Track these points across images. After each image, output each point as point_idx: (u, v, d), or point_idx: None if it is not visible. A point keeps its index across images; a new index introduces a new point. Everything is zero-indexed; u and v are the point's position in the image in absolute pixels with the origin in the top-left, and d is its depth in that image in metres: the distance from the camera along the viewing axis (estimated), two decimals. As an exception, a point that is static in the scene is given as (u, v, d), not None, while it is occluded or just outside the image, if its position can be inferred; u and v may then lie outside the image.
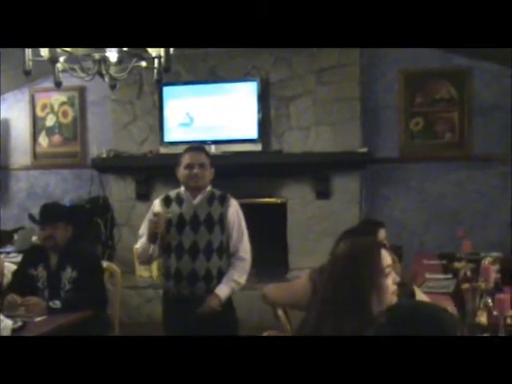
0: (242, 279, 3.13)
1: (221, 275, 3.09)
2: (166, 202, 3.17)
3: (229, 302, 3.14)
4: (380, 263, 1.81)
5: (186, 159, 3.11)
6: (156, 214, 2.98)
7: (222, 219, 3.09)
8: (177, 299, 3.11)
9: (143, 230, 3.18)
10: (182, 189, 3.17)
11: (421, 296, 2.61)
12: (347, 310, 1.78)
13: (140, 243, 3.15)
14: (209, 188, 3.17)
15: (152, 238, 2.99)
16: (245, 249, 3.14)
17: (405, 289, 2.26)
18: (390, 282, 1.81)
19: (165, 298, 3.24)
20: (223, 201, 3.14)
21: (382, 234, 3.06)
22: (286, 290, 2.75)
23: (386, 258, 1.83)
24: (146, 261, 3.27)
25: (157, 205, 3.19)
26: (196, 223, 3.08)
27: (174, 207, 3.13)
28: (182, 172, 3.12)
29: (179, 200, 3.15)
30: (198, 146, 3.30)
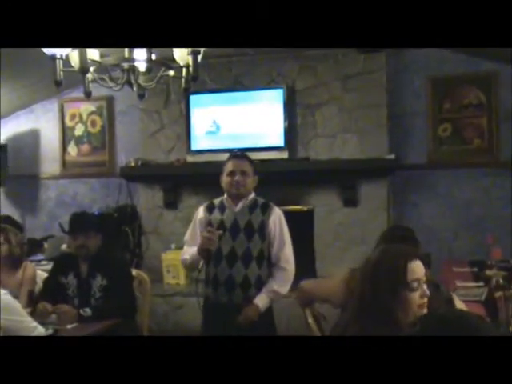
0: (283, 289, 3.10)
1: (260, 284, 3.07)
2: (209, 208, 3.20)
3: (268, 312, 3.12)
4: (404, 276, 1.79)
5: (228, 166, 3.12)
6: (210, 230, 2.97)
7: (263, 227, 3.08)
8: (215, 306, 3.13)
9: (188, 236, 3.23)
10: (225, 196, 3.18)
11: (459, 303, 2.57)
12: (373, 318, 1.77)
13: (188, 254, 3.17)
14: (252, 195, 3.17)
15: (204, 254, 3.00)
16: (286, 259, 3.10)
17: (442, 296, 2.23)
18: (417, 296, 1.78)
19: (204, 304, 3.23)
20: (265, 209, 3.13)
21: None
22: (324, 283, 2.75)
23: (415, 270, 1.80)
24: (193, 269, 3.31)
25: (201, 211, 3.23)
26: (236, 230, 3.08)
27: (216, 214, 3.15)
28: (224, 179, 3.13)
29: (222, 207, 3.16)
30: (240, 154, 3.28)
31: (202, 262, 3.13)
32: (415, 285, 1.79)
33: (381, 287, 1.80)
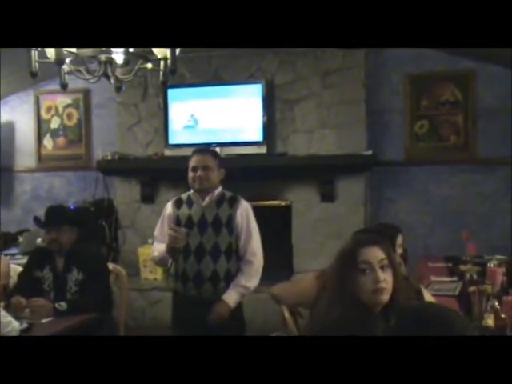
0: (251, 283, 3.10)
1: (229, 277, 3.08)
2: (177, 203, 3.21)
3: (238, 307, 3.12)
4: (352, 257, 1.85)
5: (191, 162, 3.13)
6: (175, 229, 2.97)
7: (230, 221, 3.08)
8: (185, 300, 3.14)
9: (157, 232, 3.23)
10: (192, 191, 3.19)
11: (428, 297, 2.60)
12: (342, 306, 1.80)
13: (158, 253, 3.16)
14: (219, 190, 3.17)
15: (172, 252, 3.02)
16: (252, 252, 3.11)
17: (411, 290, 2.26)
18: (368, 280, 1.81)
19: (174, 299, 3.25)
20: (233, 202, 3.13)
21: (399, 239, 3.05)
22: (293, 288, 2.76)
23: (366, 254, 1.85)
24: (164, 265, 3.30)
25: (169, 207, 3.23)
26: (203, 225, 3.08)
27: (184, 209, 3.15)
28: (188, 174, 3.14)
29: (189, 202, 3.17)
30: (204, 148, 3.31)
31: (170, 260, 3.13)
32: (363, 266, 1.84)
33: (338, 272, 1.87)
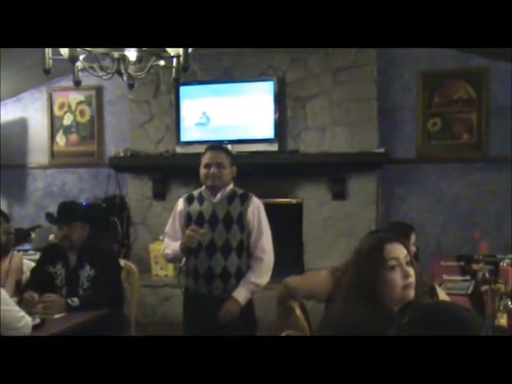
0: (261, 280, 3.09)
1: (240, 274, 3.07)
2: (189, 200, 3.20)
3: (249, 304, 3.12)
4: (381, 255, 1.83)
5: (204, 158, 3.13)
6: (194, 229, 2.98)
7: (242, 218, 3.07)
8: (195, 297, 3.14)
9: (169, 228, 3.23)
10: (203, 187, 3.18)
11: (442, 295, 2.59)
12: (361, 303, 1.79)
13: (171, 251, 3.17)
14: (230, 186, 3.16)
15: (186, 250, 3.03)
16: (262, 248, 3.09)
17: (426, 288, 2.25)
18: (398, 276, 1.81)
19: (185, 295, 3.25)
20: (244, 199, 3.12)
21: (412, 237, 3.04)
22: (308, 280, 2.76)
23: (393, 250, 1.84)
24: (175, 262, 3.31)
25: (180, 203, 3.23)
26: (214, 221, 3.08)
27: (195, 205, 3.15)
28: (201, 171, 3.13)
29: (200, 198, 3.16)
30: (217, 145, 3.29)
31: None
32: (393, 263, 1.83)
33: (363, 270, 1.85)
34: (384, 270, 1.82)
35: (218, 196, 3.12)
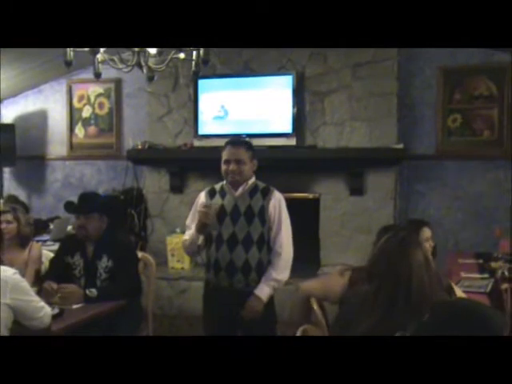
0: (282, 276, 3.07)
1: (261, 268, 3.06)
2: (211, 193, 3.20)
3: (269, 299, 3.12)
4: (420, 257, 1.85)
5: (224, 154, 3.11)
6: (206, 206, 3.00)
7: (263, 211, 3.06)
8: (216, 290, 3.13)
9: (189, 221, 3.22)
10: (225, 181, 3.18)
11: (460, 294, 2.57)
12: (392, 307, 1.80)
13: (188, 234, 3.18)
14: (252, 180, 3.15)
15: (201, 228, 3.03)
16: (280, 243, 3.07)
17: (442, 283, 2.25)
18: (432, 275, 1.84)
19: (205, 288, 3.24)
20: (266, 193, 3.11)
21: (426, 232, 3.02)
22: (321, 283, 2.78)
23: (426, 248, 1.89)
24: (194, 252, 3.29)
25: (202, 196, 3.23)
26: (236, 215, 3.07)
27: (217, 199, 3.14)
28: (221, 166, 3.12)
29: (222, 192, 3.16)
30: (237, 140, 3.25)
31: (202, 242, 3.13)
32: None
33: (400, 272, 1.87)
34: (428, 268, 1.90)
35: (240, 190, 3.11)
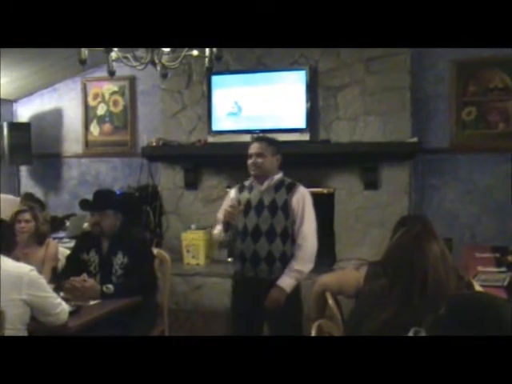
0: (304, 267, 3.20)
1: (285, 259, 3.20)
2: (241, 189, 3.40)
3: (295, 289, 3.23)
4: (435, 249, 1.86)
5: (248, 149, 3.30)
6: (232, 206, 3.19)
7: (286, 205, 3.21)
8: (243, 281, 3.30)
9: (220, 215, 3.39)
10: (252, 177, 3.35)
11: (477, 288, 2.56)
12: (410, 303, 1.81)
13: (217, 229, 3.39)
14: (279, 176, 3.33)
15: (225, 226, 3.25)
16: (303, 236, 3.20)
17: (462, 281, 2.23)
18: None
19: (233, 279, 3.43)
20: (290, 188, 3.27)
21: None
22: (338, 277, 2.80)
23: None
24: (222, 244, 3.54)
25: (232, 192, 3.45)
26: (260, 208, 3.24)
27: (245, 193, 3.34)
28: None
29: (250, 187, 3.35)
30: (260, 136, 3.50)
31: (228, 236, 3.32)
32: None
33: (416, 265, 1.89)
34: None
35: (265, 184, 3.29)
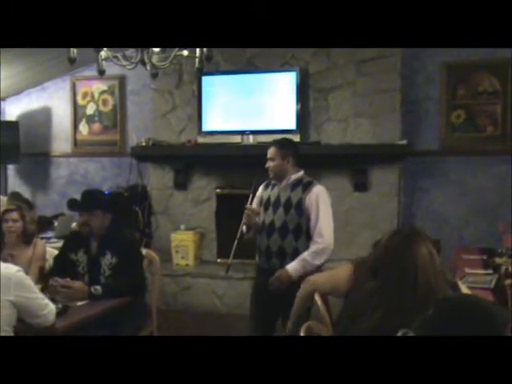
0: (315, 260, 3.31)
1: (296, 255, 3.33)
2: (266, 186, 3.60)
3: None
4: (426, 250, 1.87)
5: None
6: (250, 209, 3.45)
7: (300, 204, 3.36)
8: (261, 272, 3.52)
9: None
10: None
11: (465, 291, 2.57)
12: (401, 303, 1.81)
13: (244, 228, 3.61)
14: (297, 175, 3.48)
15: (247, 226, 3.52)
16: (319, 233, 3.33)
17: (449, 283, 2.24)
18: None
19: (255, 270, 3.66)
20: (306, 187, 3.42)
21: None
22: (329, 277, 2.79)
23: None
24: (248, 242, 3.65)
25: (260, 189, 3.63)
26: (277, 205, 3.43)
27: (268, 190, 3.55)
28: None
29: (273, 185, 3.54)
30: (275, 141, 3.63)
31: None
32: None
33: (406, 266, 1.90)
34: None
35: (283, 183, 3.47)
